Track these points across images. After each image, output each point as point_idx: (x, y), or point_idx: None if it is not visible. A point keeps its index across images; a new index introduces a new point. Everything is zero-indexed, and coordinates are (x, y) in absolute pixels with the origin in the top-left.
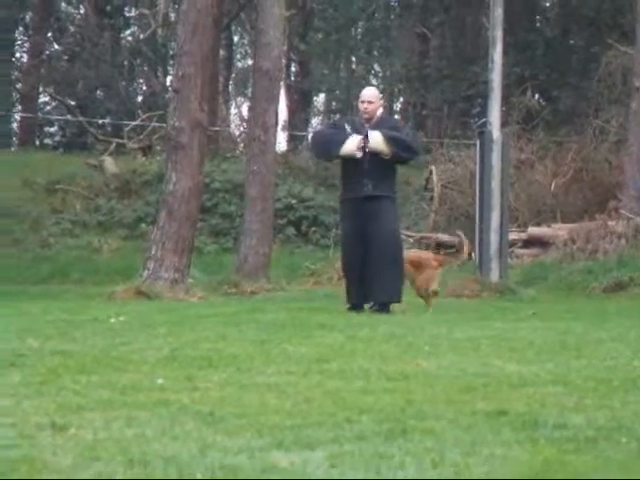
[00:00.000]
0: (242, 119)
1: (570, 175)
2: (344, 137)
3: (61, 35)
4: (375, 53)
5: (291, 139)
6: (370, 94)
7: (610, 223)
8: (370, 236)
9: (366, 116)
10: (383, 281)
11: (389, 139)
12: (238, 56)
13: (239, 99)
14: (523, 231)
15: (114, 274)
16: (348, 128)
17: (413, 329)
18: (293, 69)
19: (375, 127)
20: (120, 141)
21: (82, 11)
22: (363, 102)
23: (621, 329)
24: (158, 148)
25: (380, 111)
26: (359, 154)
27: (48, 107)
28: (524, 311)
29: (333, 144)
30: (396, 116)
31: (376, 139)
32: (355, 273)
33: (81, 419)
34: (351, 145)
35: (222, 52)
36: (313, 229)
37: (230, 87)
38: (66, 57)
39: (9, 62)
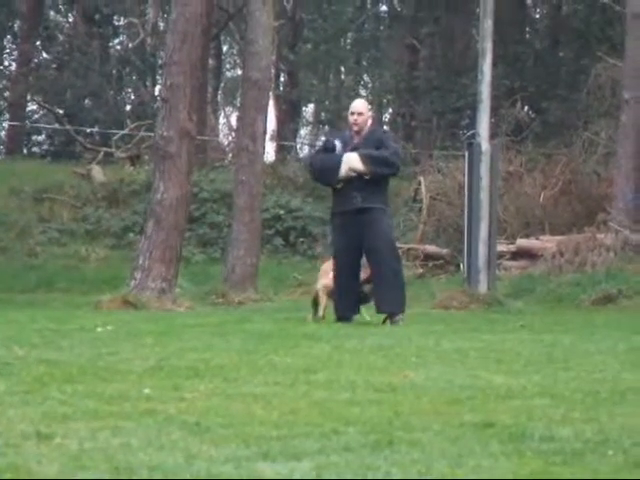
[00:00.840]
0: (231, 129)
1: (559, 187)
2: (337, 161)
3: (50, 44)
4: (364, 64)
5: (279, 149)
6: (360, 106)
7: (599, 236)
8: (367, 250)
9: (356, 128)
10: (384, 293)
11: (366, 158)
12: (227, 66)
13: (228, 109)
14: (512, 243)
15: (101, 283)
16: (339, 145)
17: (401, 340)
18: (282, 79)
19: (364, 139)
20: (108, 150)
21: (71, 20)
22: (353, 114)
23: (609, 341)
24: (146, 157)
25: (369, 122)
26: (353, 173)
27: (36, 115)
28: (512, 323)
29: (330, 174)
30: (385, 127)
31: (352, 161)
32: (345, 285)
33: (67, 428)
34: (346, 168)
35: (211, 62)
36: (301, 239)
37: (219, 97)
38: (54, 66)
39: None
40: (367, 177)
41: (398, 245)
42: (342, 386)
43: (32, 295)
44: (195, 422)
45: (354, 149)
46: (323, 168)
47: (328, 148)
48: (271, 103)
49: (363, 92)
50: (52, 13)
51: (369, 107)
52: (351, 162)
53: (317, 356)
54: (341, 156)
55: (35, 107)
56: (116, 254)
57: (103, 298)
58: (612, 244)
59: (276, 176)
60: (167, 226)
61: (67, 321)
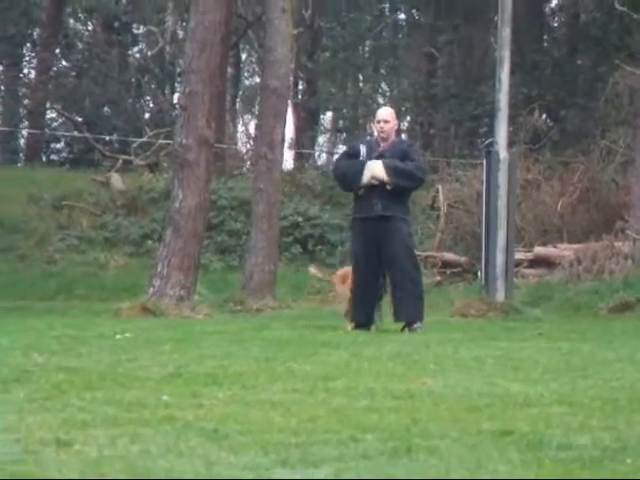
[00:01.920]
0: (249, 137)
1: (577, 195)
2: (360, 167)
3: (69, 52)
4: (382, 72)
5: (298, 157)
6: (386, 114)
7: (616, 244)
8: (386, 258)
9: (382, 135)
10: (403, 302)
11: (390, 169)
12: (246, 74)
13: (246, 117)
14: (529, 251)
15: (120, 291)
16: (363, 150)
17: (419, 347)
18: (300, 87)
19: (389, 148)
20: (127, 158)
21: (90, 28)
22: (379, 122)
23: (627, 349)
24: (165, 165)
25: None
26: (375, 182)
27: (55, 123)
28: (530, 331)
29: (352, 179)
30: (403, 135)
31: (376, 169)
32: (364, 293)
33: (86, 435)
34: (368, 175)
35: (230, 70)
36: (319, 247)
37: (237, 105)
38: (74, 73)
39: None
40: (389, 187)
41: (416, 253)
42: (360, 393)
43: (51, 302)
44: (213, 429)
45: (379, 156)
46: (346, 173)
47: (352, 154)
48: (289, 111)
49: (381, 100)
50: (71, 21)
51: (395, 115)
52: (374, 170)
53: (335, 363)
54: (364, 162)
55: (54, 115)
56: (135, 261)
57: (122, 305)
58: (630, 252)
59: (294, 184)
60: (185, 234)
61: (86, 328)
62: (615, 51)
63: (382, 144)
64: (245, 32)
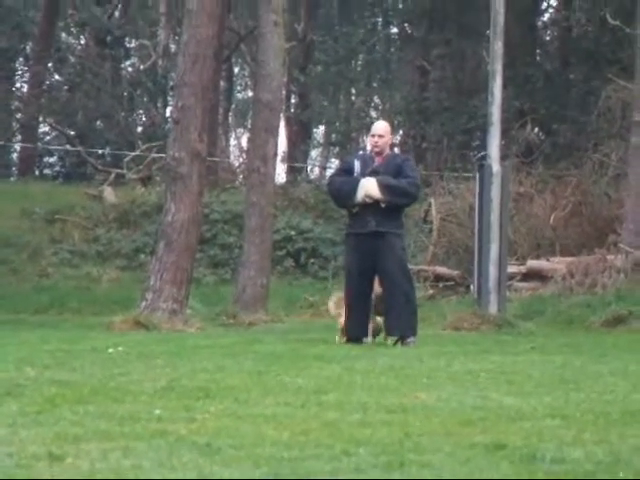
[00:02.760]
0: (241, 150)
1: (569, 209)
2: (354, 185)
3: (61, 65)
4: (375, 85)
5: (290, 171)
6: (381, 128)
7: (609, 257)
8: (380, 272)
9: (377, 149)
10: (395, 317)
11: (384, 187)
12: (238, 87)
13: (239, 130)
14: (522, 264)
15: (112, 304)
16: (357, 166)
17: (411, 361)
18: (293, 101)
19: (385, 162)
20: (120, 171)
21: (82, 42)
22: (374, 136)
23: (620, 363)
24: (157, 179)
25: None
26: (369, 200)
27: (48, 137)
28: (523, 344)
29: (346, 196)
30: (395, 149)
31: (370, 187)
32: (357, 307)
33: (78, 449)
34: (362, 193)
35: (222, 83)
36: (312, 261)
37: (230, 118)
38: (66, 87)
39: None
40: (383, 205)
41: (409, 266)
42: (353, 407)
43: (44, 316)
44: (206, 443)
45: (373, 172)
46: (340, 190)
47: (345, 169)
48: (282, 125)
49: (374, 113)
50: (64, 35)
51: (390, 130)
52: (368, 189)
53: (328, 377)
54: (358, 180)
55: (47, 129)
56: (127, 275)
57: (115, 319)
58: (622, 265)
59: (287, 197)
60: (178, 247)
61: (79, 342)
62: (607, 65)
63: (376, 159)
64: (237, 46)
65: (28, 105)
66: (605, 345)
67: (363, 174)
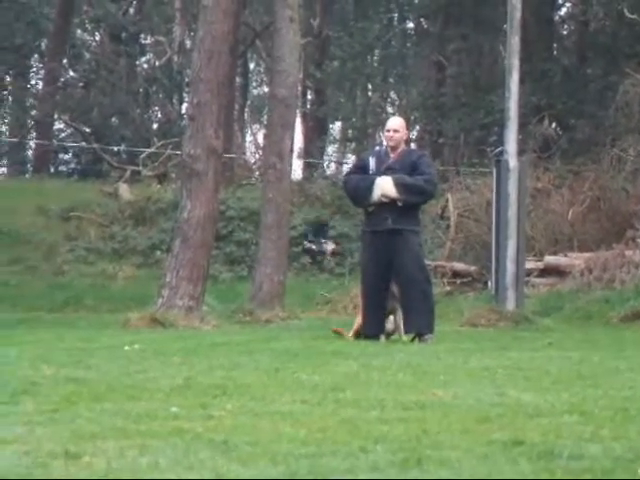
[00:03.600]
0: (257, 146)
1: (587, 204)
2: (370, 183)
3: (76, 62)
4: (391, 81)
5: (307, 167)
6: (396, 123)
7: (627, 252)
8: (397, 270)
9: (391, 144)
10: (413, 314)
11: (400, 185)
12: (254, 83)
13: (255, 126)
14: (540, 260)
15: (128, 302)
16: (372, 163)
17: (429, 358)
18: (309, 97)
19: (400, 158)
20: (135, 168)
21: (98, 38)
22: (389, 130)
23: (638, 359)
24: (173, 175)
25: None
26: (386, 199)
27: (63, 134)
28: (540, 340)
29: (362, 196)
30: (412, 145)
31: (386, 186)
32: (373, 304)
33: (95, 447)
34: (378, 192)
35: (238, 79)
36: (328, 257)
37: (246, 114)
38: (81, 84)
39: None
40: (400, 204)
41: (426, 262)
42: (370, 404)
43: (59, 314)
44: (223, 441)
45: (388, 169)
46: (357, 189)
47: (360, 166)
48: (298, 121)
49: (390, 109)
50: (79, 32)
51: (405, 125)
52: (384, 188)
53: (345, 374)
54: (374, 179)
55: (62, 126)
56: (143, 272)
57: (131, 316)
58: None
59: (303, 194)
60: (194, 244)
61: (95, 340)
62: (625, 59)
63: (391, 154)
64: (253, 42)
65: (43, 102)
66: (623, 341)
67: (378, 171)
